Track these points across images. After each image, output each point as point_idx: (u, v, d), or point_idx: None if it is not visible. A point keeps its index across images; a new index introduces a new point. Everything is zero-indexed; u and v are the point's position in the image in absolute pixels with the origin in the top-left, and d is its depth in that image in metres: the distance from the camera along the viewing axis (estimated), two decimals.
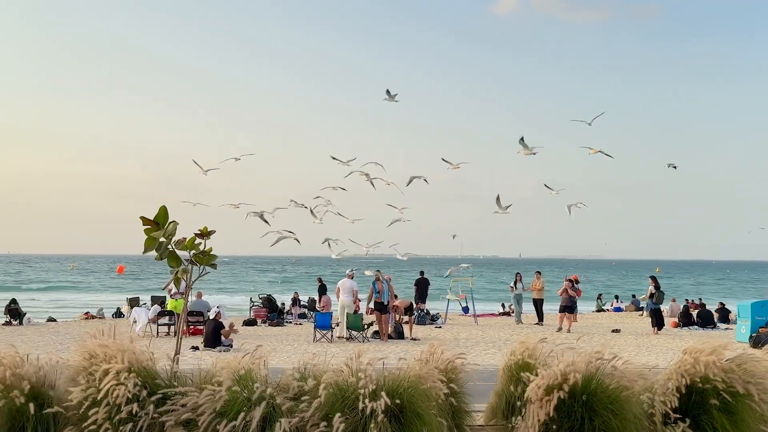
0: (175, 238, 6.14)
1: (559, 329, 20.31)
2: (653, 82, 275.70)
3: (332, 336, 17.36)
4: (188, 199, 21.38)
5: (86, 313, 25.82)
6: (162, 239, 6.09)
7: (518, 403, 5.80)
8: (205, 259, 6.29)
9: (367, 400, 5.05)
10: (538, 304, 23.04)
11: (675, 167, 14.86)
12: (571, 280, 21.66)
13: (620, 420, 5.44)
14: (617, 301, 33.99)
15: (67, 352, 5.85)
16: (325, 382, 5.22)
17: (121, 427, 5.03)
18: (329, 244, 18.14)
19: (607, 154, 14.41)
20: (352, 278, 18.79)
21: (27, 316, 22.31)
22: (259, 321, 22.95)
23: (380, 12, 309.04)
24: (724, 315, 24.55)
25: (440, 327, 21.82)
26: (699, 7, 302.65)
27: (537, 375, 5.64)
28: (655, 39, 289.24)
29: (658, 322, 20.25)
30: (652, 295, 20.99)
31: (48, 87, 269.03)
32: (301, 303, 25.82)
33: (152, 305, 20.98)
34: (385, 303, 17.87)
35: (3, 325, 21.57)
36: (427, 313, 23.31)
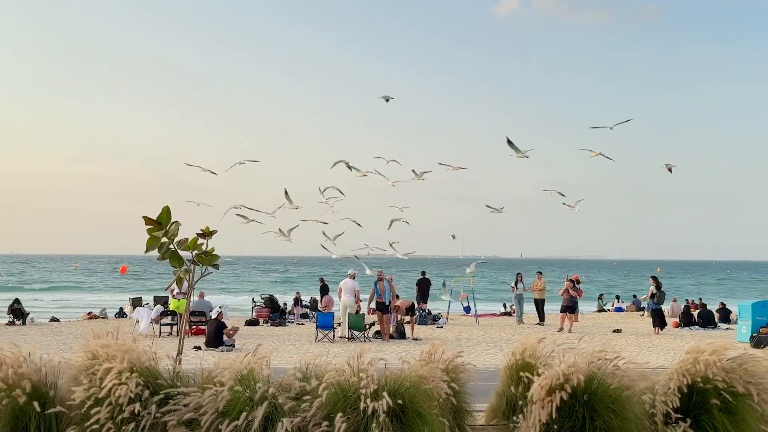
0: (177, 238, 6.16)
1: (560, 329, 20.31)
2: (653, 83, 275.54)
3: (334, 336, 17.38)
4: (191, 199, 21.39)
5: (89, 313, 25.87)
6: (164, 239, 6.10)
7: (519, 403, 5.81)
8: (208, 259, 6.30)
9: (368, 400, 5.06)
10: (539, 304, 23.03)
11: (671, 169, 14.81)
12: (572, 280, 21.66)
13: (621, 420, 5.45)
14: (618, 302, 33.97)
15: (70, 352, 5.88)
16: (326, 382, 5.23)
17: (123, 427, 5.05)
18: (326, 239, 18.05)
19: (607, 157, 14.37)
20: (354, 278, 18.81)
21: (30, 316, 22.37)
22: (261, 321, 23.00)
23: (380, 13, 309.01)
24: (725, 315, 24.54)
25: (442, 327, 21.84)
26: (699, 9, 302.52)
27: (538, 375, 5.65)
28: (656, 40, 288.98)
29: (659, 322, 20.24)
30: (653, 295, 21.00)
31: (48, 87, 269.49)
32: (303, 303, 25.85)
33: (155, 305, 21.01)
34: (387, 303, 17.89)
35: (6, 325, 21.63)
36: (429, 313, 23.34)
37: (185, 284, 6.39)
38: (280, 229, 17.02)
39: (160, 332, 18.35)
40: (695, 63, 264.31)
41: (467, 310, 26.49)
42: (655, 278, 21.72)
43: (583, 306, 26.56)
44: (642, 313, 28.19)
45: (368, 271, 19.25)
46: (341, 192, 16.86)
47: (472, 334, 19.63)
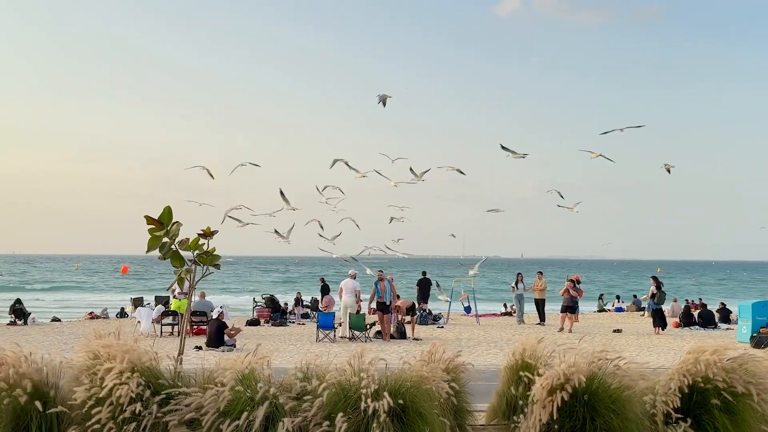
0: (178, 238, 6.17)
1: (561, 329, 20.32)
2: (653, 83, 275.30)
3: (335, 336, 17.40)
4: (193, 199, 21.40)
5: (90, 313, 25.91)
6: (165, 239, 6.11)
7: (520, 403, 5.82)
8: (209, 259, 6.31)
9: (369, 400, 5.06)
10: (540, 304, 23.05)
11: (669, 170, 14.80)
12: (572, 281, 21.67)
13: (622, 420, 5.46)
14: (618, 302, 33.98)
15: (71, 352, 5.89)
16: (327, 382, 5.24)
17: (125, 427, 5.05)
18: (324, 239, 18.04)
19: (607, 158, 14.37)
20: (355, 278, 18.83)
21: (31, 316, 22.41)
22: (262, 321, 23.03)
23: (380, 13, 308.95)
24: (726, 315, 24.55)
25: (442, 327, 21.85)
26: (699, 9, 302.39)
27: (539, 375, 5.66)
28: (656, 40, 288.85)
29: (660, 322, 20.25)
30: (653, 296, 21.01)
31: (48, 87, 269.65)
32: (304, 303, 25.88)
33: (156, 305, 21.04)
34: (388, 303, 17.91)
35: (8, 325, 21.66)
36: (429, 313, 23.35)
37: (186, 284, 6.41)
38: (276, 231, 16.98)
39: (161, 332, 18.37)
40: (695, 63, 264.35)
41: (468, 310, 26.50)
42: (655, 278, 21.73)
43: (583, 306, 26.58)
44: (642, 313, 28.19)
45: (369, 271, 19.25)
46: (341, 191, 16.85)
47: (472, 334, 19.64)
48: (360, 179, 16.84)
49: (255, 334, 18.92)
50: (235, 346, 15.54)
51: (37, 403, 5.13)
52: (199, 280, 6.42)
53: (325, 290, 25.24)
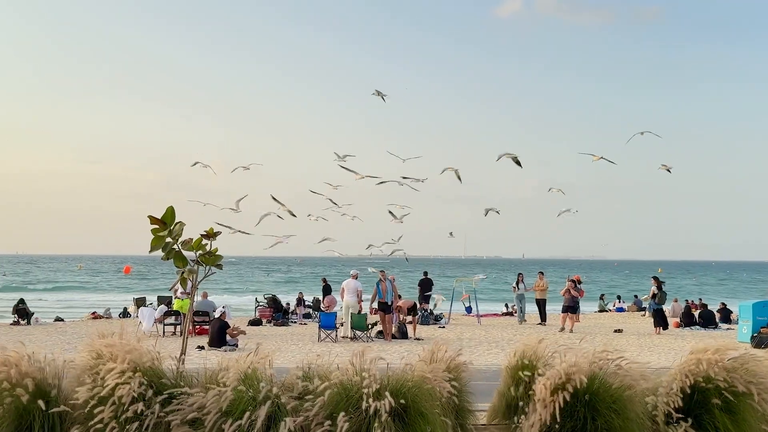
0: (181, 239, 6.20)
1: (562, 329, 20.33)
2: (653, 83, 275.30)
3: (336, 336, 17.42)
4: (195, 199, 21.42)
5: (93, 313, 25.96)
6: (168, 239, 6.14)
7: (521, 403, 5.84)
8: (211, 259, 6.33)
9: (371, 400, 5.07)
10: (541, 304, 23.07)
11: (669, 170, 14.81)
12: (573, 281, 21.68)
13: (623, 420, 5.46)
14: (619, 302, 33.97)
15: (74, 352, 5.91)
16: (329, 382, 5.27)
17: (127, 426, 5.06)
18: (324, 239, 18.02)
19: (609, 160, 14.40)
20: (357, 278, 18.86)
21: (35, 316, 22.45)
22: (264, 321, 23.06)
23: (380, 13, 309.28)
24: (726, 315, 24.54)
25: (444, 327, 21.87)
26: (700, 9, 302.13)
27: (540, 375, 5.68)
28: (656, 40, 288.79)
29: (661, 322, 20.26)
30: (654, 296, 21.01)
31: (48, 87, 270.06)
32: (306, 303, 25.91)
33: (159, 305, 21.09)
34: (389, 303, 17.93)
35: (11, 324, 21.71)
36: (431, 313, 23.37)
37: (189, 284, 6.43)
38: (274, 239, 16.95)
39: (163, 332, 18.41)
40: (695, 63, 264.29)
41: (469, 310, 26.51)
42: (656, 278, 21.74)
43: (584, 306, 26.57)
44: (643, 313, 28.19)
45: (371, 269, 19.25)
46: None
47: (474, 334, 19.66)
48: (359, 180, 16.85)
49: (257, 334, 18.95)
50: (237, 346, 15.58)
51: (40, 403, 5.15)
52: (201, 281, 6.44)
53: (326, 290, 25.28)
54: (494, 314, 28.07)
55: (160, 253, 6.19)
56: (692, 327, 22.55)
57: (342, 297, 18.81)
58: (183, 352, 6.26)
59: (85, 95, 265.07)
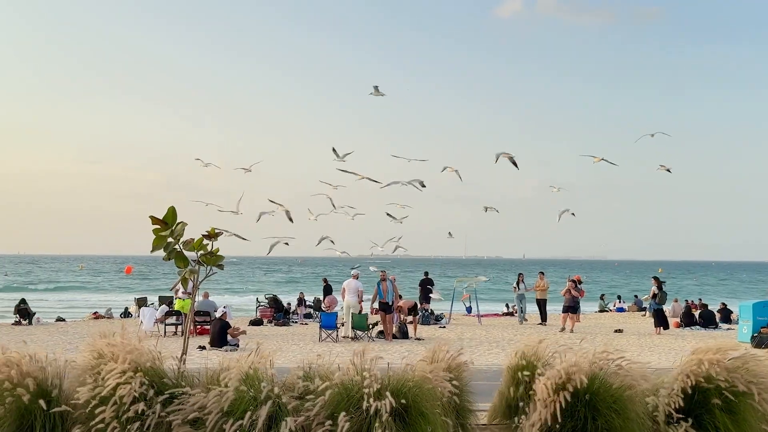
0: (182, 239, 6.21)
1: (563, 329, 20.34)
2: (654, 83, 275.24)
3: (337, 336, 17.44)
4: (198, 199, 21.43)
5: (95, 313, 26.00)
6: (170, 239, 6.15)
7: (521, 403, 5.85)
8: (212, 259, 6.34)
9: (371, 400, 5.08)
10: (541, 304, 23.08)
11: (669, 170, 14.85)
12: (574, 281, 21.69)
13: (623, 419, 5.47)
14: (620, 302, 33.97)
15: (76, 352, 5.92)
16: (330, 381, 5.27)
17: (128, 426, 5.07)
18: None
19: (610, 162, 14.45)
20: (357, 278, 18.87)
21: (36, 316, 22.49)
22: (265, 321, 23.08)
23: (380, 13, 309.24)
24: (726, 315, 24.55)
25: (444, 327, 21.88)
26: (700, 10, 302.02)
27: (541, 375, 5.69)
28: (657, 41, 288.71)
29: (661, 322, 20.26)
30: (655, 296, 21.02)
31: (48, 87, 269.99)
32: (307, 303, 25.94)
33: (160, 305, 21.11)
34: (390, 303, 17.94)
35: (13, 324, 21.75)
36: (432, 313, 23.39)
37: (190, 284, 6.44)
38: (273, 239, 16.97)
39: (164, 332, 18.42)
40: (695, 63, 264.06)
41: (469, 310, 26.52)
42: (656, 278, 21.75)
43: (584, 306, 26.58)
44: (643, 313, 28.20)
45: (372, 268, 19.27)
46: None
47: (474, 334, 19.67)
48: (359, 180, 16.88)
49: (258, 334, 18.95)
50: (238, 346, 15.60)
51: (41, 402, 5.16)
52: (202, 281, 6.45)
53: (327, 290, 25.29)
54: (495, 314, 28.08)
55: (161, 253, 6.20)
56: (692, 327, 22.56)
57: (343, 297, 18.83)
58: (184, 352, 6.27)
59: (85, 95, 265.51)
